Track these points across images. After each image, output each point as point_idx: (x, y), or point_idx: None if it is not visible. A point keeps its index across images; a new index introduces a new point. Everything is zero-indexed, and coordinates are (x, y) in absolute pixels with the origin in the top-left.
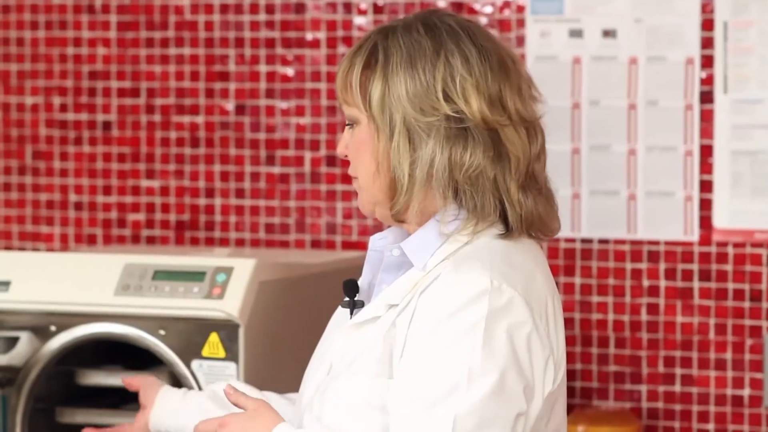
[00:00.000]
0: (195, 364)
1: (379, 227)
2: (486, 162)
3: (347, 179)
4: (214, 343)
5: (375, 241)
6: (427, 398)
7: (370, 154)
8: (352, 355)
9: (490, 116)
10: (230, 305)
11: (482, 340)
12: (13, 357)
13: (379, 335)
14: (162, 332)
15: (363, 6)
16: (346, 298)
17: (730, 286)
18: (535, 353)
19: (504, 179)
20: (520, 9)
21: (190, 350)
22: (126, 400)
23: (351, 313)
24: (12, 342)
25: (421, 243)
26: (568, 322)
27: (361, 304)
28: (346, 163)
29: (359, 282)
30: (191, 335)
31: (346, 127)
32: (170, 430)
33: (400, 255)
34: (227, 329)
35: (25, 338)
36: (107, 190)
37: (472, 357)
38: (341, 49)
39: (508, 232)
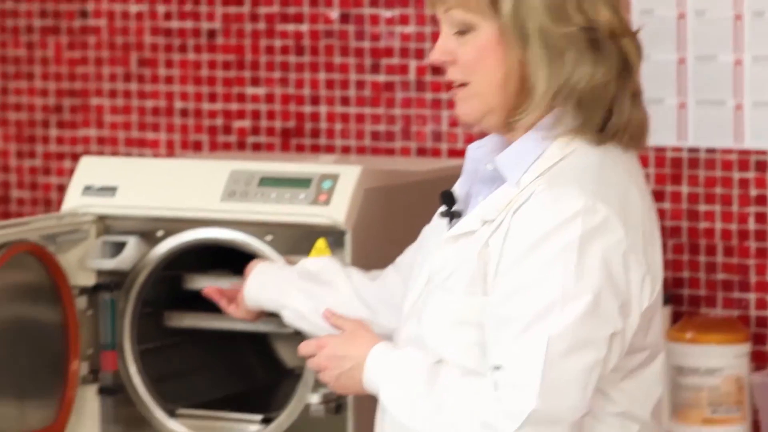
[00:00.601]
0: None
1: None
2: (612, 74)
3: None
4: (320, 249)
5: (472, 150)
6: (520, 320)
7: (496, 62)
8: (448, 270)
9: (618, 26)
10: (336, 212)
11: (576, 261)
12: (121, 261)
13: (473, 253)
14: (269, 238)
15: None
16: (444, 208)
17: None
18: (631, 271)
19: (622, 91)
20: None
21: (298, 255)
22: None
23: (449, 224)
24: (119, 247)
25: (515, 157)
26: (676, 231)
27: (459, 215)
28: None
29: (456, 191)
30: (298, 241)
31: (447, 34)
32: (260, 302)
33: (495, 169)
34: (333, 235)
35: (132, 243)
36: (212, 98)
37: (565, 278)
38: None
39: (609, 146)
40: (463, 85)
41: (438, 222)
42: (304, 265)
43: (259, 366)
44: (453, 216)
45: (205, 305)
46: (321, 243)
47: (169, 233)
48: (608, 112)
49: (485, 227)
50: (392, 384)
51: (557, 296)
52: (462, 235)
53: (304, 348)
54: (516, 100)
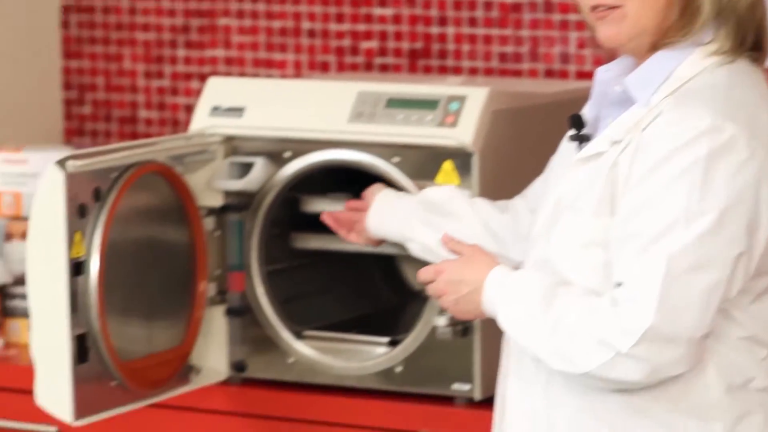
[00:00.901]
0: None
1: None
2: None
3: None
4: (447, 171)
5: (601, 73)
6: (642, 237)
7: None
8: (576, 191)
9: None
10: (464, 133)
11: (701, 179)
12: (248, 182)
13: (602, 173)
14: (395, 159)
15: None
16: (572, 132)
17: None
18: (761, 190)
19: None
20: None
21: (425, 177)
22: None
23: (578, 147)
24: (247, 167)
25: (645, 78)
26: None
27: (587, 138)
28: None
29: (585, 115)
30: (425, 163)
31: None
32: (384, 234)
33: (623, 91)
34: (461, 157)
35: (259, 164)
36: (340, 18)
37: (689, 196)
38: None
39: (742, 65)
40: (613, 7)
41: (566, 146)
42: (426, 194)
43: (385, 288)
44: (582, 140)
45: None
46: (448, 165)
47: (296, 154)
48: (757, 30)
49: (613, 148)
50: (509, 306)
51: (680, 214)
52: (591, 157)
53: (423, 274)
54: (676, 22)
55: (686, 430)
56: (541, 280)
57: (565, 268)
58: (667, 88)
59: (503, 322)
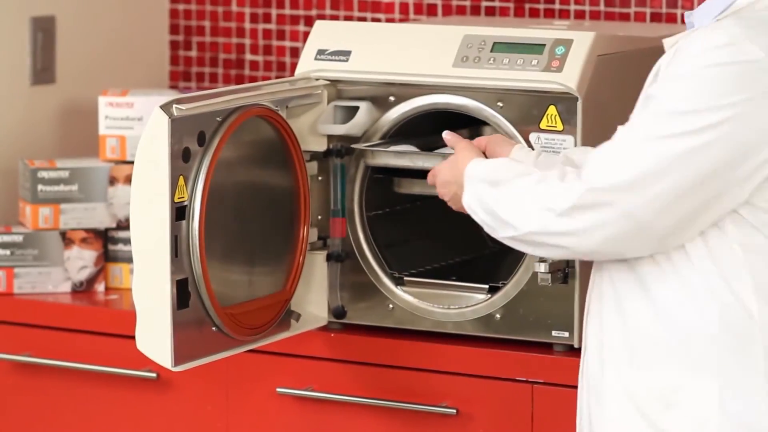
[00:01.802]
0: (533, 136)
1: None
2: None
3: None
4: (552, 116)
5: (687, 15)
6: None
7: None
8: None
9: None
10: (569, 78)
11: (709, 84)
12: (352, 126)
13: (649, 83)
14: (500, 104)
15: None
16: None
17: None
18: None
19: None
20: None
21: (528, 122)
22: None
23: None
24: (351, 112)
25: (707, 10)
26: None
27: None
28: None
29: None
30: (529, 108)
31: None
32: None
33: (692, 24)
34: (565, 102)
35: (364, 108)
36: None
37: (704, 94)
38: None
39: None
40: None
41: None
42: (565, 154)
43: (486, 234)
44: None
45: None
46: (552, 110)
47: (400, 99)
48: None
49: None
50: (472, 188)
51: (671, 108)
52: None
53: (429, 179)
54: None
55: (733, 350)
56: (508, 163)
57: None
58: (723, 16)
59: (466, 205)
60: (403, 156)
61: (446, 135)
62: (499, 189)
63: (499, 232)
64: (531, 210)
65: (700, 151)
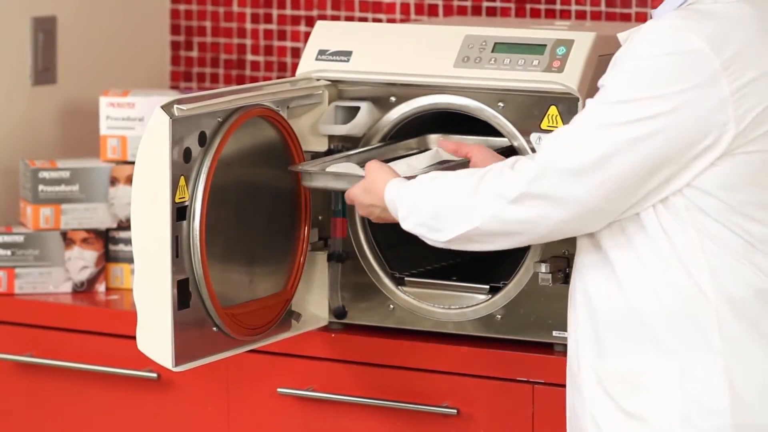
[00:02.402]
0: (534, 136)
1: None
2: None
3: None
4: (553, 116)
5: (652, 13)
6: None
7: None
8: None
9: None
10: (570, 78)
11: (651, 74)
12: (353, 127)
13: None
14: (501, 104)
15: None
16: None
17: None
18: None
19: None
20: None
21: (529, 123)
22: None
23: None
24: (352, 112)
25: (666, 6)
26: None
27: None
28: None
29: None
30: (530, 108)
31: None
32: None
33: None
34: (566, 102)
35: (365, 108)
36: None
37: (630, 84)
38: None
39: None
40: None
41: None
42: None
43: None
44: None
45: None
46: (553, 111)
47: (401, 99)
48: None
49: None
50: (403, 204)
51: (613, 97)
52: None
53: (347, 201)
54: None
55: (691, 331)
56: (432, 174)
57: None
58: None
59: (402, 221)
60: (341, 178)
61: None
62: (435, 194)
63: (443, 234)
64: (480, 201)
65: (645, 139)
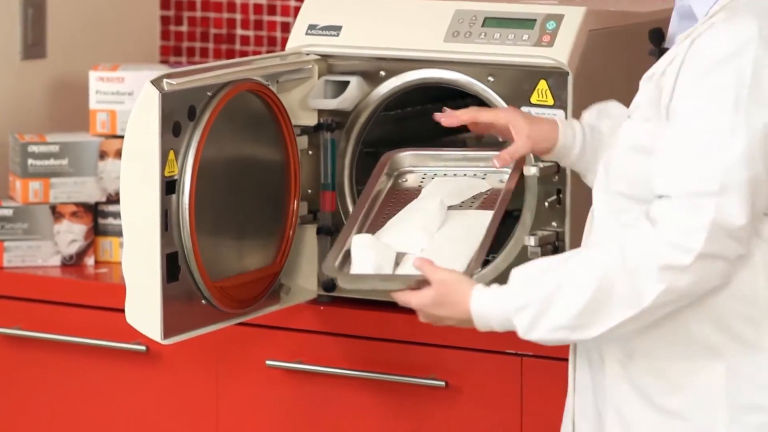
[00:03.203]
0: (524, 110)
1: None
2: None
3: None
4: (542, 91)
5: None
6: (688, 150)
7: None
8: (638, 101)
9: None
10: (560, 53)
11: (747, 90)
12: (343, 101)
13: (651, 81)
14: (491, 79)
15: None
16: (652, 47)
17: None
18: None
19: None
20: None
21: (519, 97)
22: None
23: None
24: (342, 86)
25: None
26: None
27: (665, 51)
28: None
29: (669, 31)
30: (520, 82)
31: None
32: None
33: (687, 5)
34: (556, 77)
35: (354, 83)
36: None
37: (735, 107)
38: None
39: None
40: None
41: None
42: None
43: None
44: (661, 54)
45: (425, 147)
46: (543, 85)
47: (391, 73)
48: None
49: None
50: (519, 309)
51: (726, 124)
52: (655, 75)
53: (400, 302)
54: None
55: (737, 330)
56: (528, 271)
57: (620, 180)
58: (723, 2)
59: (524, 333)
60: (391, 280)
61: (418, 263)
62: (567, 292)
63: (595, 329)
64: (643, 281)
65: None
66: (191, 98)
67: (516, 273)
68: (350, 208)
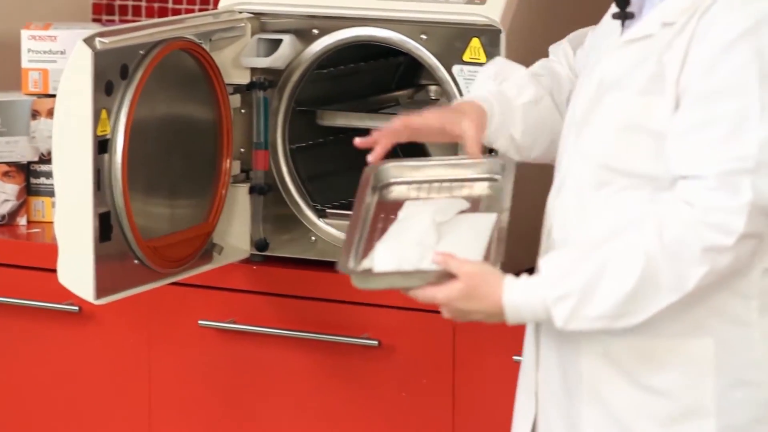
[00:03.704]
0: (456, 68)
1: None
2: None
3: None
4: (475, 48)
5: None
6: (716, 128)
7: None
8: (622, 71)
9: None
10: (492, 10)
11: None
12: (276, 59)
13: (653, 53)
14: (423, 37)
15: None
16: (616, 10)
17: None
18: None
19: None
20: None
21: (452, 55)
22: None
23: (622, 26)
24: (274, 44)
25: None
26: None
27: (632, 16)
28: None
29: None
30: (452, 40)
31: None
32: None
33: None
34: (489, 35)
35: (287, 41)
36: None
37: (761, 85)
38: None
39: None
40: None
41: (608, 24)
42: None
43: None
44: (626, 17)
45: (358, 104)
46: (475, 43)
47: (324, 31)
48: None
49: (665, 30)
50: (560, 299)
51: (755, 102)
52: (637, 40)
53: (422, 299)
54: None
55: (726, 306)
56: (568, 258)
57: (608, 155)
58: None
59: (564, 323)
60: (412, 276)
61: (437, 258)
62: (609, 280)
63: (638, 316)
64: (685, 265)
65: None
66: (124, 57)
67: (548, 262)
68: (283, 167)
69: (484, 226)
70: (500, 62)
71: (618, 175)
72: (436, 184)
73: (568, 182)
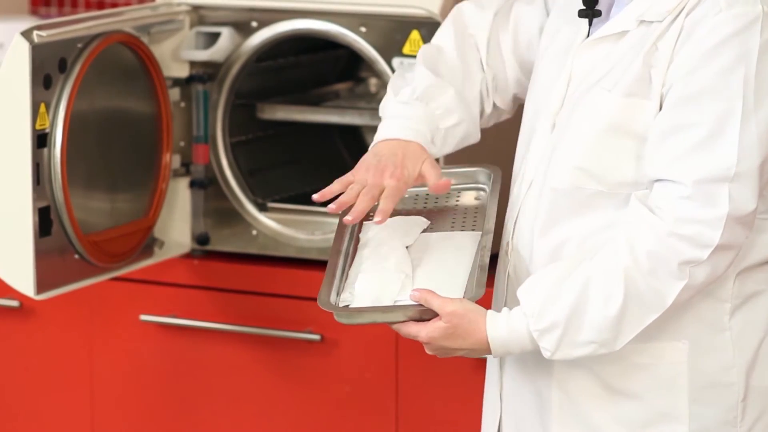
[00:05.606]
0: (396, 61)
1: None
2: None
3: None
4: (415, 41)
5: None
6: (697, 130)
7: None
8: (601, 70)
9: None
10: (431, 3)
11: (755, 72)
12: (215, 52)
13: (638, 53)
14: (363, 29)
15: None
16: (583, 7)
17: None
18: None
19: None
20: None
21: (391, 47)
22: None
23: (590, 24)
24: (213, 37)
25: None
26: None
27: (599, 14)
28: None
29: None
30: (392, 32)
31: None
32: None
33: None
34: (428, 27)
35: (226, 34)
36: None
37: (745, 90)
38: None
39: None
40: None
41: (572, 21)
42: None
43: (350, 159)
44: (594, 16)
45: (299, 97)
46: (415, 35)
47: (263, 24)
48: None
49: (643, 28)
50: (546, 333)
51: (737, 105)
52: (612, 36)
53: (405, 335)
54: None
55: (701, 310)
56: (550, 280)
57: (587, 157)
58: None
59: (552, 353)
60: (391, 311)
61: (415, 296)
62: (592, 306)
63: (622, 339)
64: (663, 281)
65: None
66: (62, 50)
67: (528, 294)
68: (223, 161)
69: (467, 250)
70: (428, 77)
71: (593, 180)
72: (423, 195)
73: (539, 180)
